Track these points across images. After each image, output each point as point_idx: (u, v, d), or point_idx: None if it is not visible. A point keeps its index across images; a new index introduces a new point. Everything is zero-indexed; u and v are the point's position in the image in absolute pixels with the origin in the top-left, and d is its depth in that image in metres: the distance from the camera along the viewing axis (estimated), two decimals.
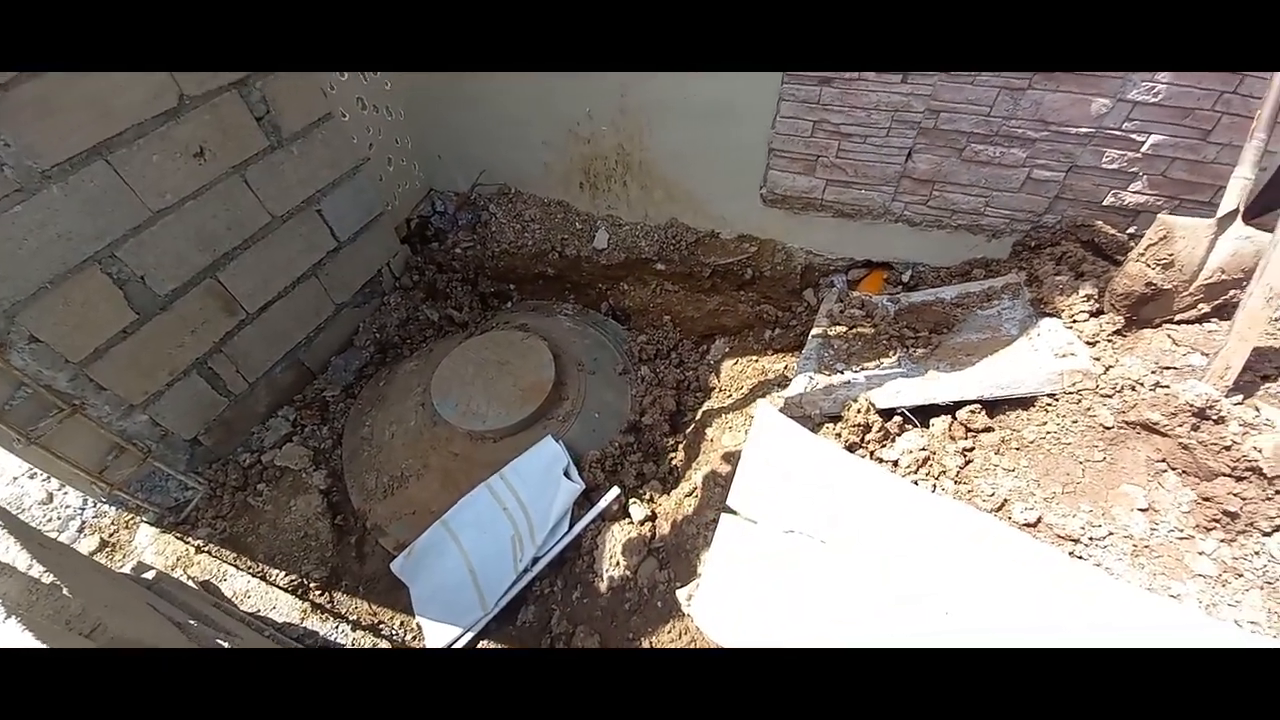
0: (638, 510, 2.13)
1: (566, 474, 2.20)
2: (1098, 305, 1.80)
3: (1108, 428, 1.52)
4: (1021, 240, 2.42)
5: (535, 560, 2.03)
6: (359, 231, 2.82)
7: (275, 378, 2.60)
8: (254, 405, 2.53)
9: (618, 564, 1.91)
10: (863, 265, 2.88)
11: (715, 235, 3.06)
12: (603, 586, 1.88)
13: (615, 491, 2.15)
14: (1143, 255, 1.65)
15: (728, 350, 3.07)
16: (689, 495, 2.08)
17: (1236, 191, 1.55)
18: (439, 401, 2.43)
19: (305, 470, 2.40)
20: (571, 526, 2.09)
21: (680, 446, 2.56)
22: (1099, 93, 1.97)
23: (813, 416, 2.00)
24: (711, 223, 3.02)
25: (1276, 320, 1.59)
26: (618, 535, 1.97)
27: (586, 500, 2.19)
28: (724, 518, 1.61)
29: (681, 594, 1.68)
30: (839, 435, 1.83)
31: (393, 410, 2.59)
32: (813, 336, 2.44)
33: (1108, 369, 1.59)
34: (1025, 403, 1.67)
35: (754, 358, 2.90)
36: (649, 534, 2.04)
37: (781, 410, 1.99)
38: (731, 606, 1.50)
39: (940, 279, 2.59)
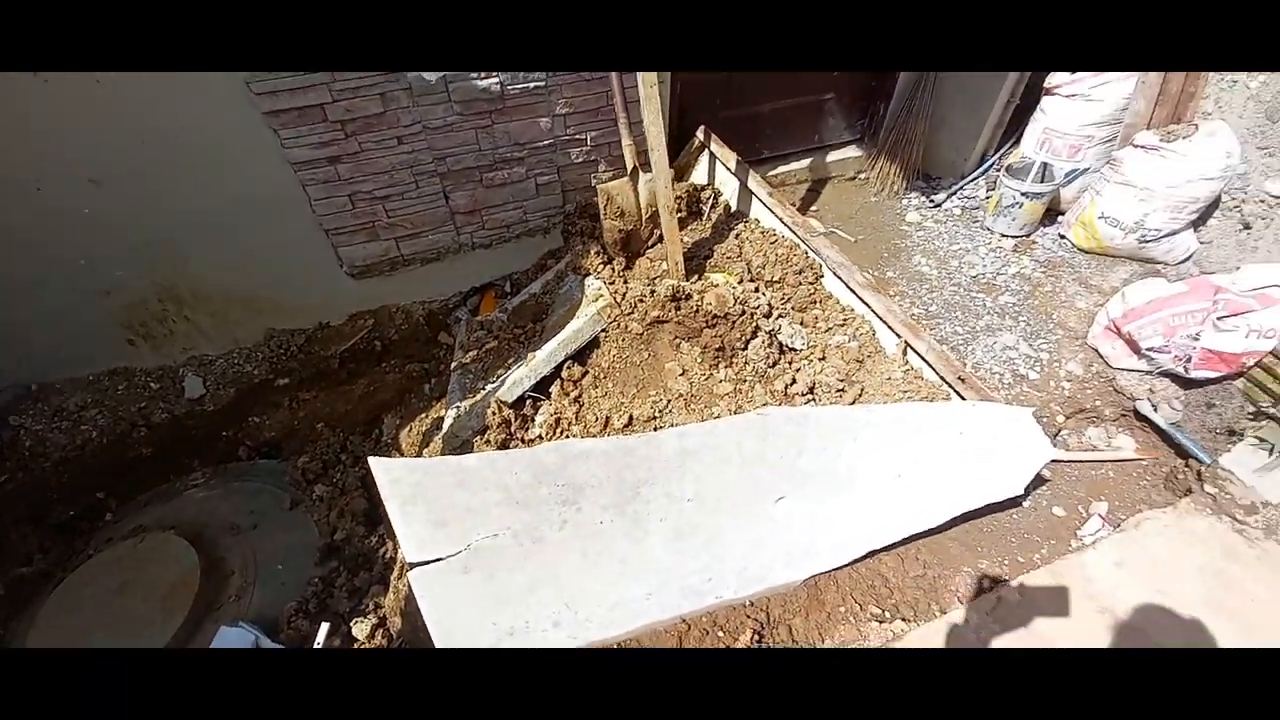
0: (361, 628, 2.00)
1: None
2: (607, 256, 2.42)
3: (640, 334, 2.10)
4: (564, 227, 3.04)
5: None
6: None
7: None
8: None
9: None
10: (475, 292, 3.21)
11: (326, 325, 2.97)
12: None
13: (324, 629, 1.97)
14: (606, 215, 2.29)
15: (399, 422, 3.04)
16: (402, 577, 2.05)
17: (629, 155, 2.27)
18: None
19: None
20: None
21: (388, 536, 2.47)
22: (539, 115, 2.60)
23: (469, 440, 2.18)
24: (314, 316, 2.93)
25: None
26: None
27: None
28: (412, 574, 1.66)
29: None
30: (489, 441, 2.04)
31: None
32: (453, 371, 2.62)
33: (624, 296, 2.17)
34: (594, 343, 2.16)
35: (425, 415, 2.96)
36: (384, 641, 1.95)
37: (443, 439, 2.12)
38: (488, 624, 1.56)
39: (530, 278, 3.07)
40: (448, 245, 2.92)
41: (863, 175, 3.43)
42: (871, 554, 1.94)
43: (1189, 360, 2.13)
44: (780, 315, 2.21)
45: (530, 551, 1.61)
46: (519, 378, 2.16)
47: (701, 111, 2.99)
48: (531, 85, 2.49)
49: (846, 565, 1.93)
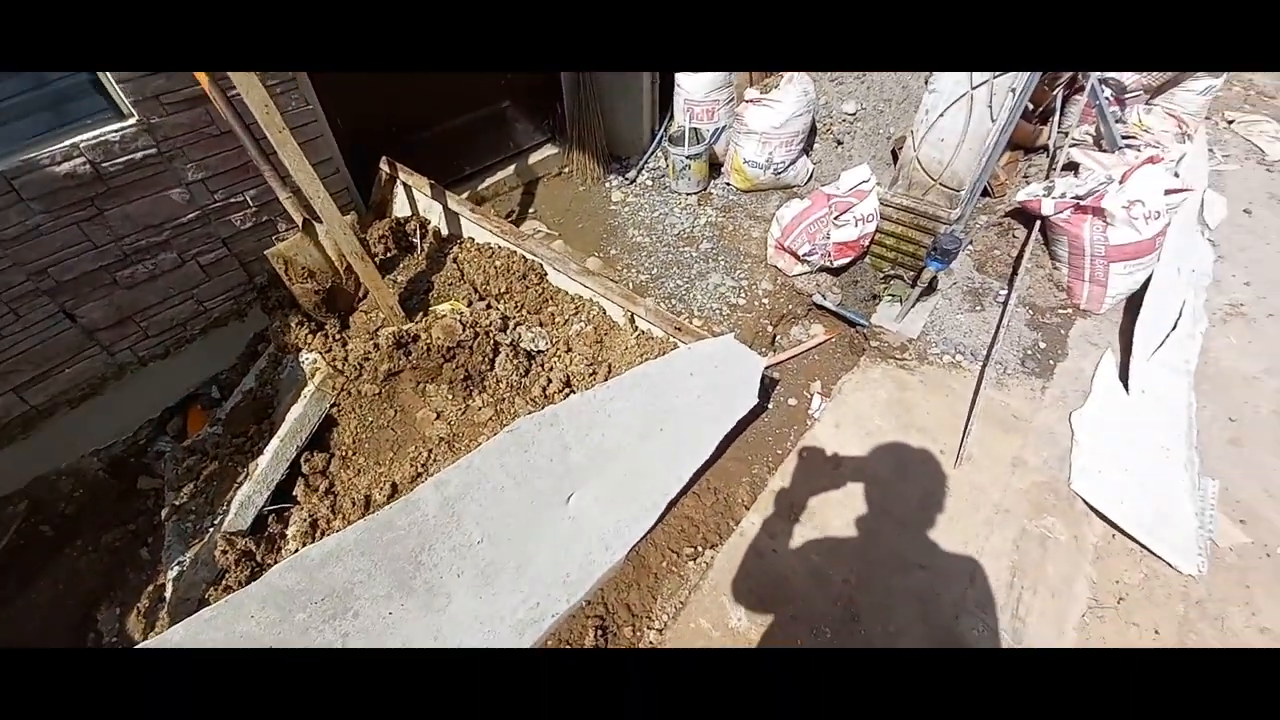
0: None
1: None
2: (316, 322, 2.16)
3: (377, 394, 1.93)
4: (262, 304, 2.62)
5: None
6: None
7: None
8: None
9: None
10: (173, 413, 2.60)
11: None
12: None
13: None
14: (292, 281, 2.03)
15: (120, 610, 2.35)
16: None
17: (292, 208, 2.03)
18: None
19: None
20: None
21: None
22: (166, 187, 2.17)
23: (203, 596, 1.78)
24: None
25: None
26: None
27: None
28: None
29: None
30: (230, 587, 1.69)
31: None
32: (167, 520, 2.10)
33: (345, 360, 1.96)
34: (330, 421, 1.92)
35: (150, 587, 2.34)
36: None
37: (169, 611, 1.70)
38: None
39: (241, 373, 2.59)
40: (102, 372, 2.30)
41: (566, 169, 3.64)
42: (672, 503, 2.12)
43: (829, 255, 2.74)
44: (518, 324, 2.23)
45: None
46: (246, 497, 1.82)
47: (383, 140, 2.82)
48: (139, 156, 2.06)
49: (657, 523, 2.08)
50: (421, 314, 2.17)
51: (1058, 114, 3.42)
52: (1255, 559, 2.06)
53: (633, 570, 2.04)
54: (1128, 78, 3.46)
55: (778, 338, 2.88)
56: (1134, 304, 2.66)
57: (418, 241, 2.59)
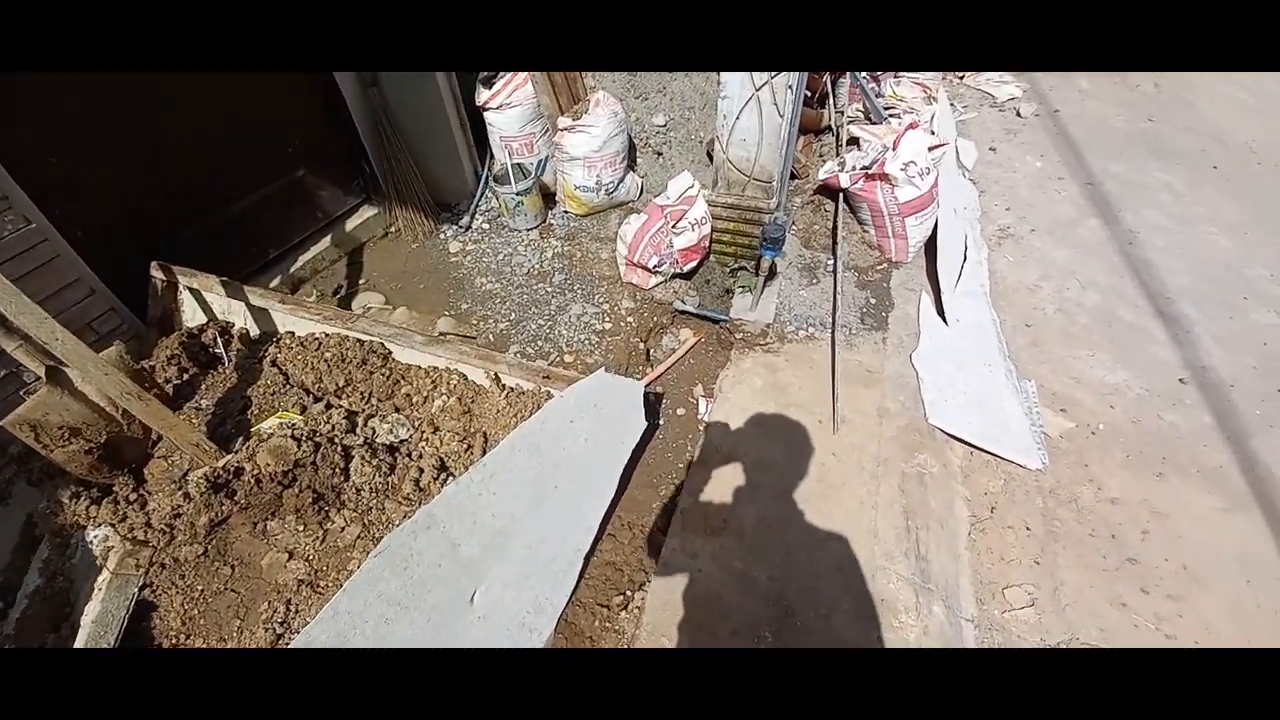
0: None
1: None
2: (100, 488, 1.73)
3: (202, 552, 1.58)
4: (27, 479, 2.06)
5: None
6: None
7: None
8: None
9: None
10: None
11: None
12: None
13: None
14: (51, 448, 1.60)
15: None
16: None
17: (24, 357, 1.60)
18: None
19: None
20: None
21: None
22: None
23: None
24: None
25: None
26: None
27: None
28: None
29: None
30: None
31: None
32: None
33: (147, 524, 1.59)
34: (146, 605, 1.54)
35: None
36: None
37: None
38: None
39: (19, 571, 2.01)
40: None
41: (393, 229, 3.36)
42: (589, 556, 2.01)
43: (677, 262, 2.82)
44: (369, 417, 1.98)
45: None
46: None
47: (151, 242, 2.36)
48: None
49: (578, 583, 1.96)
50: (241, 440, 1.83)
51: (831, 97, 3.86)
52: (1083, 440, 2.45)
53: (565, 642, 1.90)
54: None
55: (651, 351, 2.89)
56: (931, 248, 3.07)
57: (221, 352, 2.20)
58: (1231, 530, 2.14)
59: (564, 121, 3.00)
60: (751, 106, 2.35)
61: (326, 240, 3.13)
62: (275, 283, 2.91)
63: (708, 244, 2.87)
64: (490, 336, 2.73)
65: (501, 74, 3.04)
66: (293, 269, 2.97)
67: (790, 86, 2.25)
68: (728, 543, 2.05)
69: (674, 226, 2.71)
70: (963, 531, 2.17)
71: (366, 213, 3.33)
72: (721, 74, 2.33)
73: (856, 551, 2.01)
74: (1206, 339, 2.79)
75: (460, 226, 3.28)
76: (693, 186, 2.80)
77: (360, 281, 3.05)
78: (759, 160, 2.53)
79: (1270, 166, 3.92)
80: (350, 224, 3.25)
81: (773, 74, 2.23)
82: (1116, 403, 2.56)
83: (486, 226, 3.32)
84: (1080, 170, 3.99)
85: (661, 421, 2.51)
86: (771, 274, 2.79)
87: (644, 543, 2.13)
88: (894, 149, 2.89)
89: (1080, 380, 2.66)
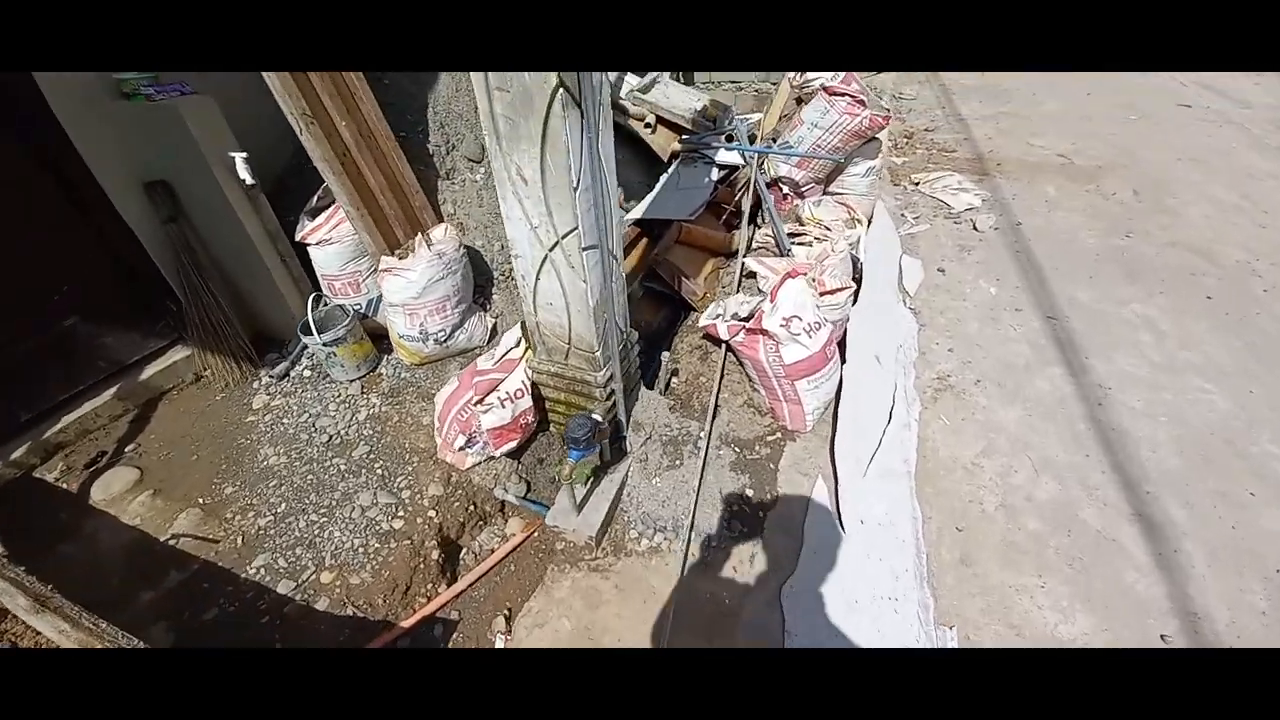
0: None
1: None
2: None
3: None
4: None
5: None
6: None
7: None
8: None
9: None
10: None
11: None
12: None
13: None
14: None
15: None
16: None
17: None
18: None
19: None
20: None
21: None
22: None
23: None
24: None
25: None
26: None
27: None
28: None
29: None
30: None
31: None
32: None
33: None
34: None
35: None
36: None
37: None
38: None
39: None
40: None
41: (207, 374, 2.87)
42: None
43: (487, 445, 2.22)
44: None
45: None
46: None
47: None
48: None
49: None
50: None
51: (745, 217, 3.39)
52: None
53: None
54: (798, 174, 3.56)
55: (463, 553, 2.24)
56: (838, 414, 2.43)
57: None
58: None
59: (387, 262, 2.53)
60: (547, 268, 1.83)
61: (109, 394, 2.64)
62: (21, 452, 2.39)
63: (531, 419, 2.28)
64: (240, 539, 2.12)
65: (326, 208, 2.64)
66: (49, 433, 2.46)
67: (584, 250, 1.73)
68: None
69: (478, 403, 2.13)
70: None
71: (176, 355, 2.86)
72: (507, 229, 1.83)
73: None
74: (1200, 561, 2.02)
75: (274, 375, 2.77)
76: (517, 346, 2.26)
77: (127, 449, 2.51)
78: (573, 328, 1.97)
79: (1277, 293, 3.24)
80: (149, 371, 2.77)
81: (563, 234, 1.71)
82: None
83: (309, 374, 2.80)
84: (1042, 298, 3.37)
85: None
86: (604, 463, 2.16)
87: None
88: (771, 300, 2.32)
89: (1022, 630, 1.89)
